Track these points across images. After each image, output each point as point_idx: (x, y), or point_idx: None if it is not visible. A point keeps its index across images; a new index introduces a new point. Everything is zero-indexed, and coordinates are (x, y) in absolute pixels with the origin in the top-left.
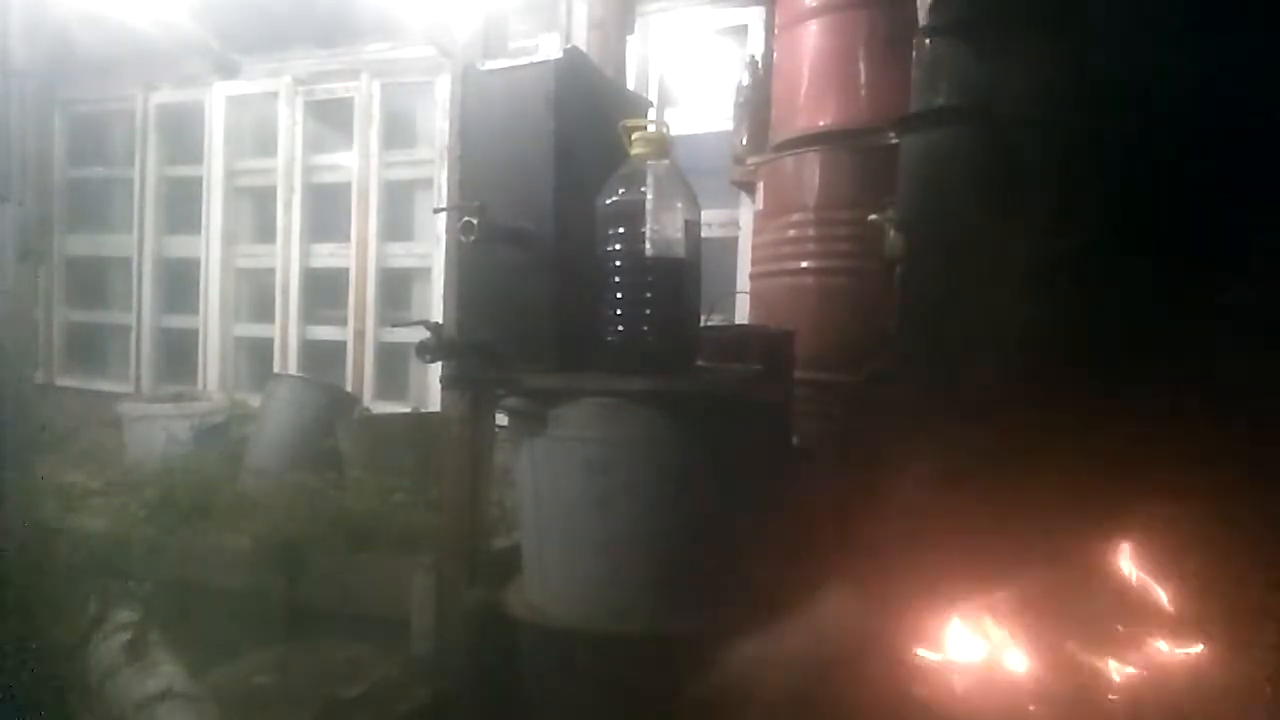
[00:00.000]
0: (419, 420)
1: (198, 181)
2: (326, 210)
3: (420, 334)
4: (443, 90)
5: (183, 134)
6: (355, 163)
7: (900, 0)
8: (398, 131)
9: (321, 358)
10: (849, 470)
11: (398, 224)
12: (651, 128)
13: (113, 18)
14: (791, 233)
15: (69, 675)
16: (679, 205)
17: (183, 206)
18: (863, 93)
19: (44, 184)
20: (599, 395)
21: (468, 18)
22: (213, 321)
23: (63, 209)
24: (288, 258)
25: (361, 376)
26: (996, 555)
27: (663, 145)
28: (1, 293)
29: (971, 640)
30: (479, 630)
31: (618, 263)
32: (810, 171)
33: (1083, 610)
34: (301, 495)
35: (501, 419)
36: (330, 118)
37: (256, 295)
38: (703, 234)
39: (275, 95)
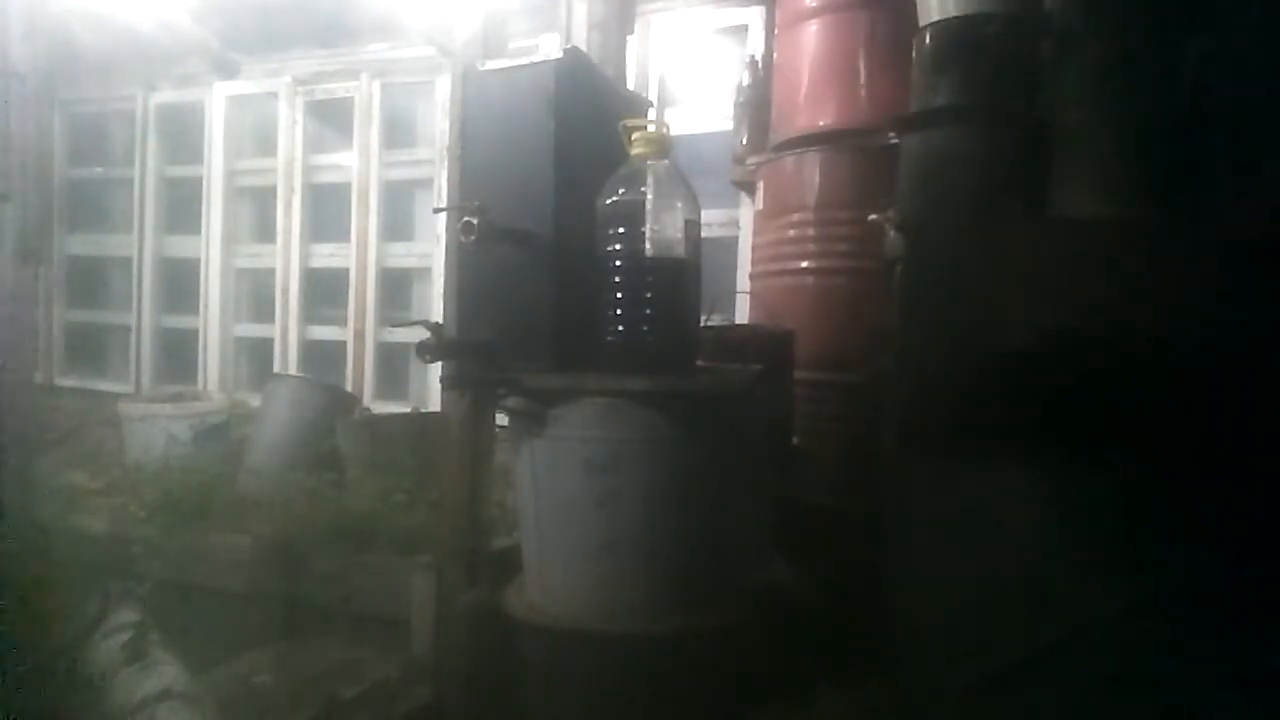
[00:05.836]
0: (419, 420)
1: (198, 181)
2: (326, 210)
3: (420, 334)
4: (443, 90)
5: (183, 134)
6: (355, 163)
7: (900, 0)
8: (398, 131)
9: (321, 358)
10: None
11: (398, 224)
12: (651, 128)
13: (113, 18)
14: (791, 233)
15: (69, 675)
16: (679, 205)
17: (183, 206)
18: (863, 93)
19: (44, 184)
20: (599, 395)
21: (468, 18)
22: (213, 321)
23: (63, 209)
24: (288, 258)
25: (361, 376)
26: None
27: (663, 145)
28: (1, 293)
29: None
30: (479, 630)
31: (618, 263)
32: (810, 171)
33: None
34: (301, 495)
35: (501, 419)
36: (330, 118)
37: (256, 295)
38: (703, 234)
39: (275, 95)
